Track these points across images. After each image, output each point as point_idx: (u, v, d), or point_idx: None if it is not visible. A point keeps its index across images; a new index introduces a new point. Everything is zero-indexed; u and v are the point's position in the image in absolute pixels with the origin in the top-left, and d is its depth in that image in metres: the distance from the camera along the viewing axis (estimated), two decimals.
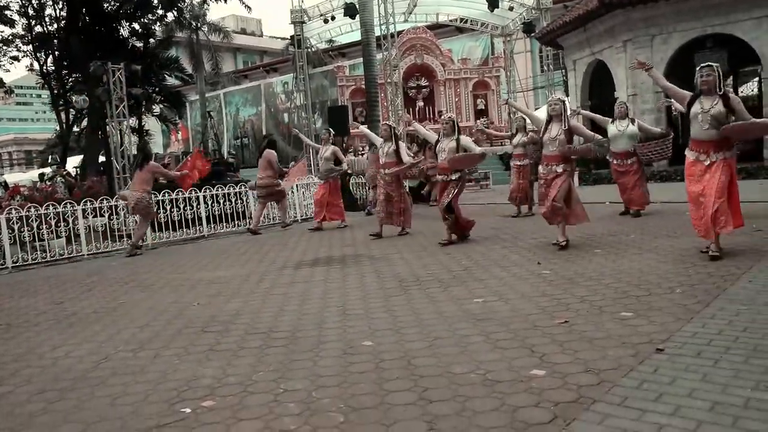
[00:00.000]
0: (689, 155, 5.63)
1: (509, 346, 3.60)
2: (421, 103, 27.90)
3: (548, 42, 21.97)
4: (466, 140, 7.87)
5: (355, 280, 6.06)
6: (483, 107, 28.29)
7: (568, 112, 6.77)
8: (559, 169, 6.64)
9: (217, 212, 11.79)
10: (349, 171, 13.52)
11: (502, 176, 22.31)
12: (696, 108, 5.53)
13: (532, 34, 24.46)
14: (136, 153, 11.02)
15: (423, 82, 28.09)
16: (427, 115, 27.59)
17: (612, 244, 6.81)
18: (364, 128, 10.74)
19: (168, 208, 11.16)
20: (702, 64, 5.62)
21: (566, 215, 6.70)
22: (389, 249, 7.96)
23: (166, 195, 11.13)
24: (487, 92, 28.44)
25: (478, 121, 26.63)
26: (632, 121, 9.09)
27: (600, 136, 6.80)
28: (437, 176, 8.25)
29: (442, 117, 8.18)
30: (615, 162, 9.15)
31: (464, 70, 28.59)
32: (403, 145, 9.20)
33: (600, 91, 18.89)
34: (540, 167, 6.88)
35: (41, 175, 20.65)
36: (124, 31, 18.86)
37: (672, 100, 8.29)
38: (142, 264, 8.79)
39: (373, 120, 17.76)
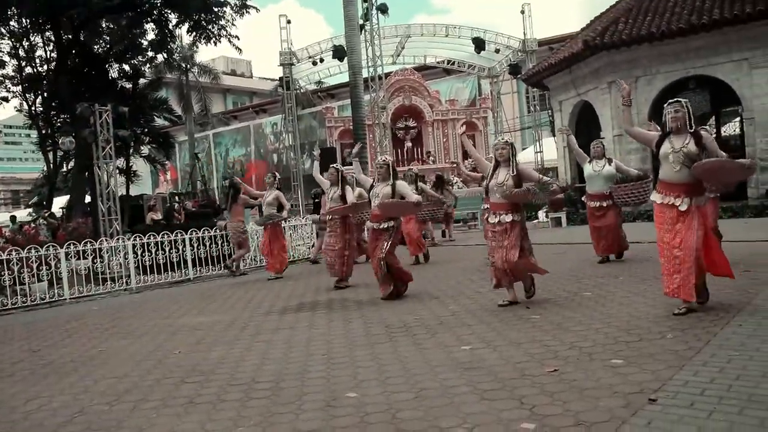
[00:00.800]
0: (657, 198, 5.17)
1: (497, 397, 3.50)
2: (409, 144, 28.05)
3: (534, 83, 22.27)
4: (402, 186, 7.23)
5: (341, 326, 5.95)
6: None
7: (518, 156, 6.24)
8: (508, 219, 6.00)
9: (203, 255, 11.67)
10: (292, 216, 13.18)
11: None
12: (666, 147, 5.10)
13: (519, 76, 24.80)
14: (226, 188, 11.83)
15: (411, 123, 28.30)
16: (416, 156, 27.74)
17: (601, 287, 6.74)
18: (315, 172, 9.18)
19: (153, 250, 11.03)
20: (670, 100, 5.22)
21: (518, 273, 6.07)
22: (377, 293, 7.85)
23: (151, 237, 11.01)
24: (475, 133, 28.64)
25: (465, 161, 26.91)
26: (609, 161, 8.70)
27: (547, 178, 6.19)
28: (368, 224, 7.68)
29: (376, 160, 7.56)
30: (591, 204, 8.74)
31: (452, 111, 28.86)
32: (350, 190, 8.59)
33: (586, 131, 19.06)
34: (487, 217, 6.26)
35: (12, 218, 20.43)
36: (114, 73, 18.90)
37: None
38: (125, 308, 8.64)
39: (361, 161, 17.76)
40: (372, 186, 7.42)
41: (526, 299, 6.23)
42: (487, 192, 6.23)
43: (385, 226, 7.20)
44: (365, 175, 8.13)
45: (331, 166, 8.74)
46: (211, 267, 11.80)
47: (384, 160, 7.36)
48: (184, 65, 32.46)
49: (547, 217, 17.11)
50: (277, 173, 11.31)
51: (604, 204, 8.58)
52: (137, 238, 10.95)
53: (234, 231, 11.05)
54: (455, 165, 14.96)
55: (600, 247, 8.69)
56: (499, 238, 6.03)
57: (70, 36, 17.27)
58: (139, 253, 10.86)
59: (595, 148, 8.76)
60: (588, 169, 8.72)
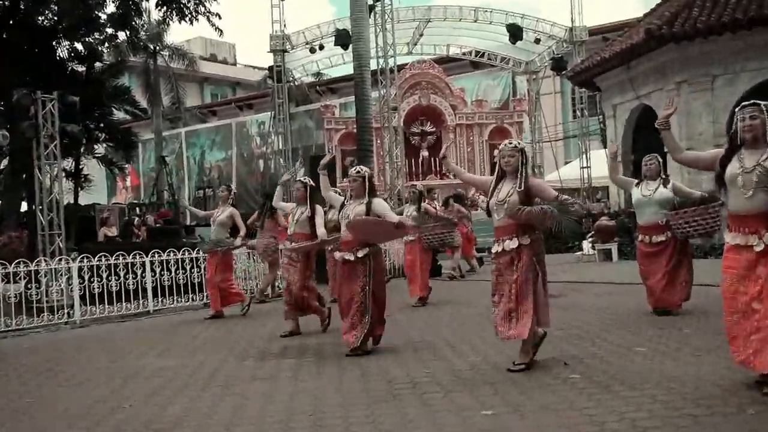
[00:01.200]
0: (729, 239, 4.80)
1: None
2: (425, 153, 28.04)
3: (582, 82, 22.30)
4: (379, 205, 6.83)
5: (333, 378, 5.89)
6: None
7: (529, 165, 5.90)
8: (513, 244, 5.66)
9: (167, 282, 11.65)
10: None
11: None
12: (734, 167, 4.73)
13: (563, 73, 24.92)
14: (262, 200, 12.15)
15: (429, 128, 28.34)
16: (433, 168, 27.75)
17: (659, 340, 6.65)
18: (276, 200, 9.13)
19: (104, 275, 11.01)
20: (744, 103, 4.83)
21: (531, 321, 5.66)
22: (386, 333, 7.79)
23: (103, 259, 11.00)
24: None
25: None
26: (665, 181, 8.11)
27: (567, 196, 5.82)
28: (336, 254, 7.21)
29: (350, 171, 7.23)
30: (640, 238, 8.21)
31: (479, 114, 28.90)
32: (320, 211, 8.22)
33: (646, 142, 18.95)
34: (493, 248, 5.94)
35: None
36: (63, 52, 18.80)
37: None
38: (65, 347, 8.61)
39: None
40: (343, 205, 7.08)
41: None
42: (489, 213, 5.91)
43: (361, 254, 6.74)
44: (335, 193, 7.76)
45: (298, 179, 8.56)
46: (176, 297, 11.75)
47: (358, 171, 6.96)
48: (151, 46, 32.69)
49: (593, 248, 17.02)
50: (232, 186, 11.22)
51: (660, 238, 7.98)
52: (85, 259, 10.91)
53: (265, 248, 11.48)
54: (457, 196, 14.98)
55: (653, 296, 8.07)
56: (506, 273, 5.72)
57: (6, 2, 17.25)
58: (86, 277, 10.82)
59: (648, 165, 8.21)
60: (636, 193, 8.22)
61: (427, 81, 28.33)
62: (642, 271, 8.23)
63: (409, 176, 25.97)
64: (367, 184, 6.87)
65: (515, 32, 24.57)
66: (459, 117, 28.47)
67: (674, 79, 17.16)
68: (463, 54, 29.19)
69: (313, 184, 8.27)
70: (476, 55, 28.74)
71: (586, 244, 17.75)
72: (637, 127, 19.54)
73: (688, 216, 7.64)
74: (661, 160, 8.30)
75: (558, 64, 25.61)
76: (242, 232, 10.45)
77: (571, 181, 27.71)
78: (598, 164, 24.00)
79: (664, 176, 8.23)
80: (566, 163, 33.06)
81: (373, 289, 6.77)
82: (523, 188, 5.64)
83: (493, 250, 5.87)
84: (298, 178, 8.64)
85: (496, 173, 5.93)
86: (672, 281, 7.94)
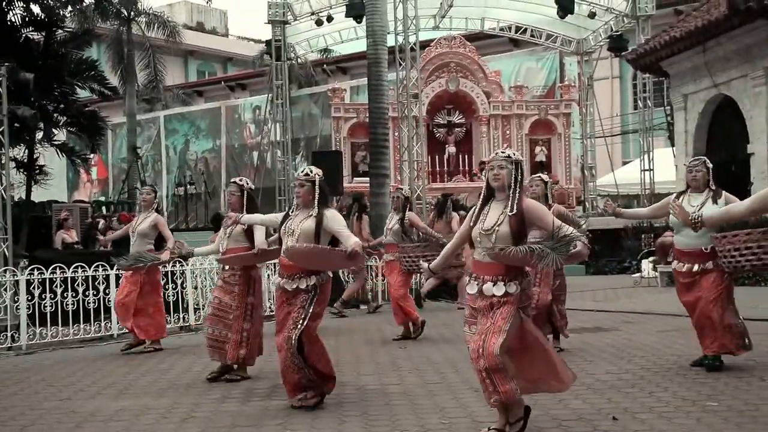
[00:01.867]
0: None
1: None
2: (452, 149, 27.87)
3: (646, 66, 22.10)
4: (333, 220, 6.58)
5: (330, 427, 5.83)
6: (544, 158, 28.33)
7: (525, 181, 5.73)
8: (498, 291, 5.31)
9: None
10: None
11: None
12: None
13: (623, 54, 24.71)
14: (351, 202, 12.55)
15: (456, 119, 28.20)
16: (461, 167, 27.61)
17: (736, 393, 6.55)
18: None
19: (59, 290, 10.95)
20: None
21: (508, 380, 5.19)
22: (389, 374, 7.71)
23: (58, 270, 10.94)
24: (551, 136, 28.48)
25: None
26: (715, 195, 7.56)
27: (570, 230, 5.33)
28: (276, 280, 7.07)
29: (297, 173, 7.03)
30: (677, 265, 7.79)
31: (518, 103, 28.72)
32: (258, 219, 7.87)
33: (724, 140, 18.83)
34: (467, 287, 5.63)
35: None
36: (15, 17, 18.68)
37: None
38: (5, 379, 8.56)
39: (378, 172, 17.71)
40: (287, 216, 6.88)
41: None
42: (471, 244, 5.60)
43: (305, 285, 6.54)
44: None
45: (232, 181, 8.38)
46: None
47: (307, 174, 6.75)
48: (124, 12, 32.77)
49: (655, 270, 16.83)
50: (155, 187, 10.91)
51: (707, 265, 7.45)
52: (36, 271, 10.85)
53: None
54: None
55: (704, 340, 7.56)
56: (482, 320, 5.32)
57: None
58: (36, 293, 10.75)
59: (693, 171, 7.72)
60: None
61: (456, 62, 28.18)
62: (684, 304, 7.80)
63: (432, 177, 25.90)
64: (317, 190, 6.62)
65: (565, 4, 24.31)
66: (494, 106, 28.30)
67: (763, 64, 16.97)
68: (501, 30, 28.96)
69: (252, 188, 8.23)
70: (516, 32, 28.52)
71: (645, 265, 17.56)
72: (712, 122, 19.36)
73: (741, 240, 6.99)
74: (710, 165, 7.79)
75: (617, 44, 25.39)
76: (170, 243, 9.96)
77: (629, 186, 27.54)
78: (663, 166, 23.84)
79: (713, 188, 7.66)
80: (624, 163, 32.91)
81: (308, 324, 6.49)
82: (515, 212, 5.33)
83: (470, 291, 5.49)
84: (235, 179, 8.33)
85: (482, 193, 5.63)
86: (718, 322, 7.36)
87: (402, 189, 11.62)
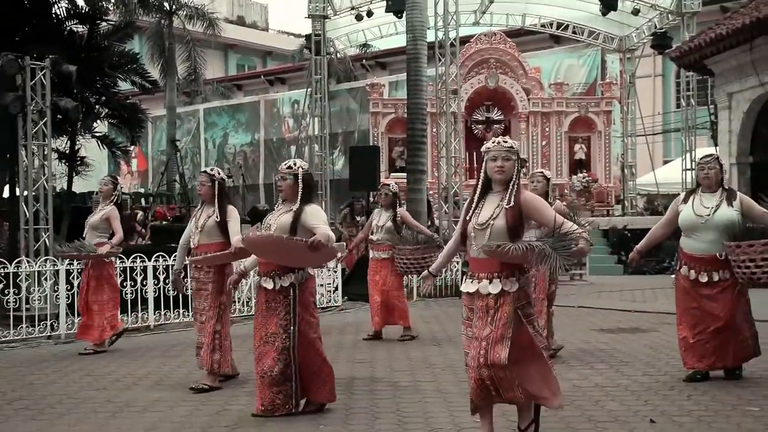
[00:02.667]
0: None
1: None
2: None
3: (690, 64, 21.82)
4: (311, 214, 6.26)
5: (363, 423, 5.86)
6: (583, 156, 28.13)
7: (521, 174, 5.25)
8: (494, 289, 5.00)
9: (171, 293, 11.62)
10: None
11: (608, 262, 22.12)
12: None
13: (666, 52, 24.39)
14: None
15: (495, 115, 28.08)
16: None
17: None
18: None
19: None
20: None
21: (513, 388, 4.96)
22: (422, 372, 7.70)
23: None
24: (591, 134, 28.25)
25: (574, 177, 26.57)
26: (731, 194, 7.07)
27: (572, 225, 4.99)
28: (260, 281, 6.53)
29: (280, 166, 6.65)
30: (683, 270, 7.24)
31: (558, 101, 28.52)
32: (233, 213, 7.65)
33: None
34: (462, 286, 5.36)
35: None
36: (60, 9, 18.76)
37: None
38: (43, 367, 8.65)
39: (416, 169, 17.67)
40: (268, 212, 6.73)
41: None
42: (464, 239, 5.30)
43: (279, 285, 6.26)
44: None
45: (202, 171, 8.06)
46: (182, 311, 11.72)
47: (290, 167, 6.51)
48: (166, 5, 32.96)
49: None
50: (116, 178, 10.31)
51: (715, 277, 6.99)
52: (75, 261, 10.92)
53: None
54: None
55: (698, 352, 7.09)
56: (478, 323, 5.06)
57: None
58: (76, 283, 10.84)
59: (706, 168, 7.18)
60: (686, 211, 7.16)
61: (496, 58, 28.02)
62: (685, 312, 7.25)
63: (469, 173, 25.79)
64: (300, 184, 6.37)
65: (609, 1, 24.15)
66: (533, 103, 28.13)
67: None
68: (542, 26, 28.80)
69: (224, 178, 7.81)
70: (558, 28, 28.28)
71: None
72: (758, 122, 19.09)
73: (756, 251, 6.47)
74: (723, 163, 7.32)
75: (661, 41, 25.05)
76: (116, 238, 9.62)
77: (670, 185, 27.23)
78: None
79: (726, 188, 7.19)
80: (665, 162, 32.57)
81: (301, 329, 6.24)
82: (512, 204, 5.02)
83: (463, 289, 5.24)
84: (203, 170, 7.95)
85: (478, 184, 5.34)
86: (731, 334, 6.99)
87: (389, 185, 10.57)
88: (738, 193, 7.18)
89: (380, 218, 10.23)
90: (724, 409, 6.06)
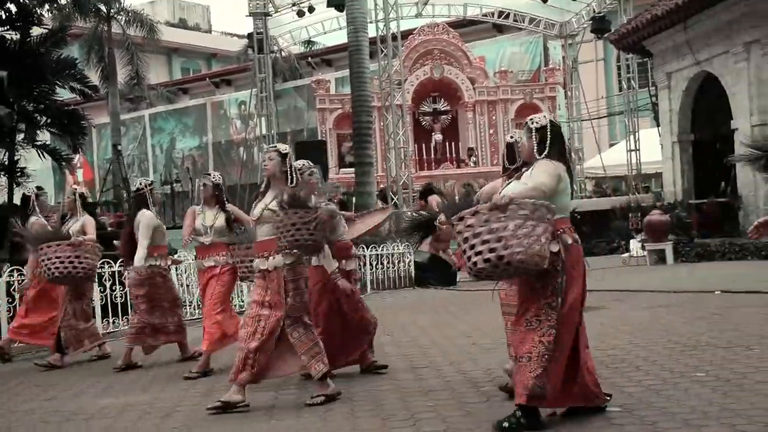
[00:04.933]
0: None
1: None
2: (439, 137, 27.95)
3: (630, 47, 22.17)
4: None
5: (317, 413, 5.75)
6: None
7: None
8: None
9: (119, 300, 11.50)
10: None
11: None
12: None
13: (606, 35, 24.72)
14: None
15: (442, 106, 28.25)
16: (449, 154, 27.61)
17: (722, 363, 6.48)
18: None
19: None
20: None
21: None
22: (415, 354, 7.68)
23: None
24: None
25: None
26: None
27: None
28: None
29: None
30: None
31: (504, 88, 28.79)
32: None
33: (708, 118, 18.86)
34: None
35: None
36: None
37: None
38: None
39: (363, 161, 17.68)
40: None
41: None
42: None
43: (264, 266, 6.31)
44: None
45: (205, 174, 8.27)
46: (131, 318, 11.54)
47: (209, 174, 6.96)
48: (104, 9, 32.59)
49: (643, 249, 16.85)
50: (78, 188, 10.07)
51: None
52: (15, 273, 10.74)
53: None
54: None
55: None
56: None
57: None
58: (17, 296, 10.55)
59: None
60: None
61: (440, 49, 28.25)
62: None
63: (420, 165, 25.89)
64: (288, 164, 6.50)
65: None
66: (479, 92, 28.40)
67: (742, 39, 17.02)
68: (484, 15, 29.06)
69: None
70: (499, 17, 28.63)
71: (634, 244, 17.59)
72: (696, 100, 19.38)
73: None
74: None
75: (600, 25, 25.43)
76: (88, 237, 9.30)
77: (616, 168, 27.59)
78: (649, 146, 23.85)
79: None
80: (611, 145, 32.93)
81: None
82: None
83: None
84: (74, 185, 8.20)
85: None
86: None
87: (210, 175, 8.44)
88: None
89: (205, 216, 8.19)
90: (672, 377, 6.11)
